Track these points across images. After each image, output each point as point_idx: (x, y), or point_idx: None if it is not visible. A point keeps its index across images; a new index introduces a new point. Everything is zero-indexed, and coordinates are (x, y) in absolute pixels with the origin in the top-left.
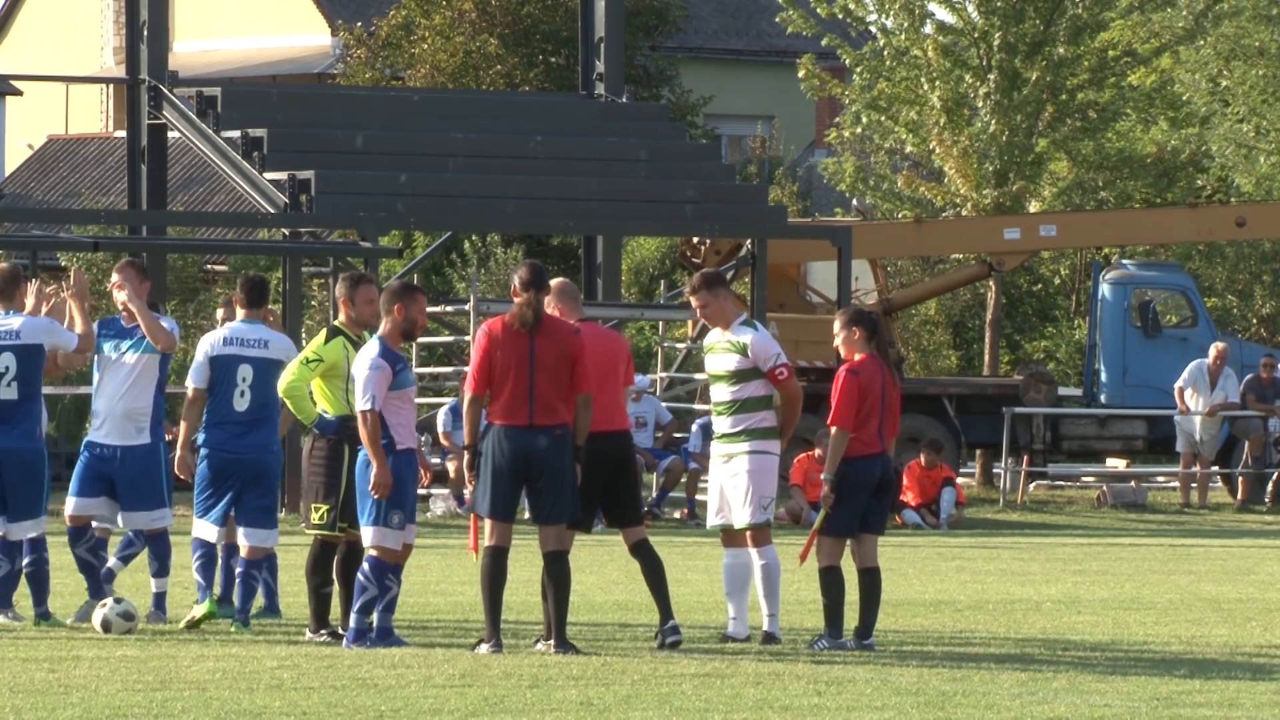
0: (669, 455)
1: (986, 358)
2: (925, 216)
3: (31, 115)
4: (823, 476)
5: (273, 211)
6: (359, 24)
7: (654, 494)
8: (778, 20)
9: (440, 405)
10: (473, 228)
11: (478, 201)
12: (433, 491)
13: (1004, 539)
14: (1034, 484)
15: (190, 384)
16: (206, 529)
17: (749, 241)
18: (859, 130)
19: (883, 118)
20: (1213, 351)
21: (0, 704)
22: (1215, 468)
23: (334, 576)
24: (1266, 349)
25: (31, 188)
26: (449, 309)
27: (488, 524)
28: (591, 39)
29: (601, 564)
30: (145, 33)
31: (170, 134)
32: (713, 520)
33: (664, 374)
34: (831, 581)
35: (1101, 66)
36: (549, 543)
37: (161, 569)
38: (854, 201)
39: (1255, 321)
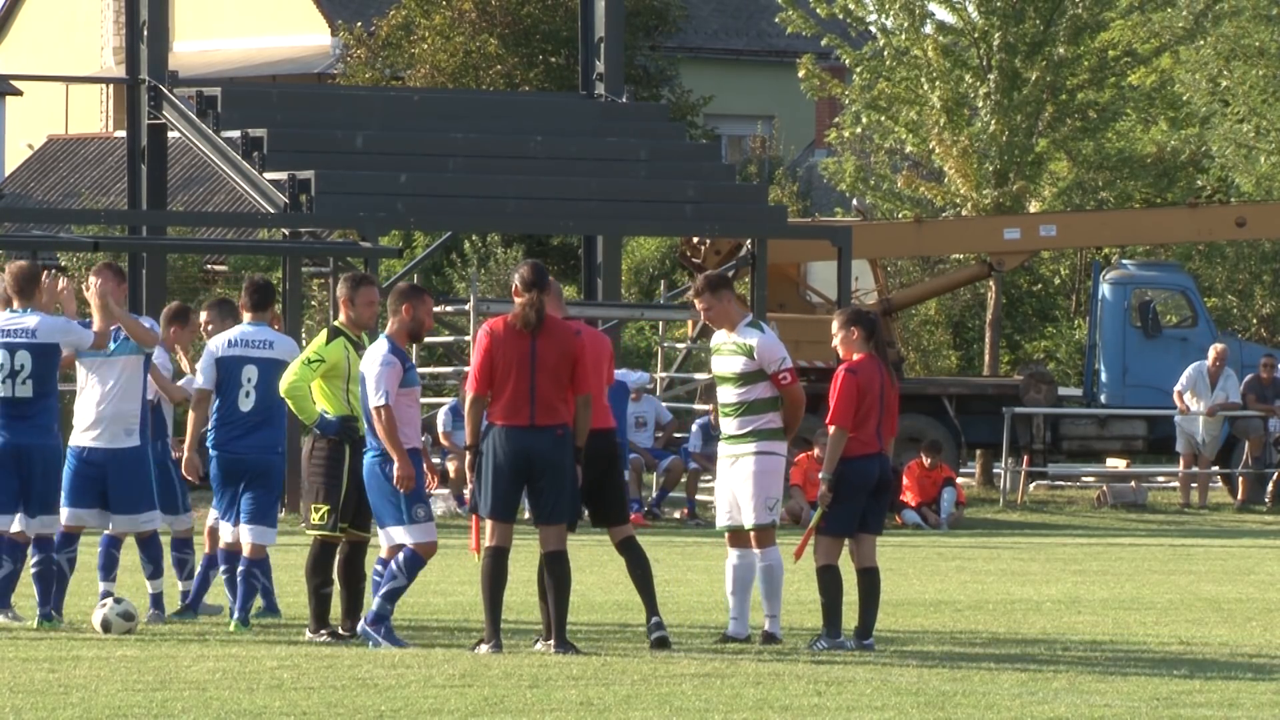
0: (669, 455)
1: (986, 358)
2: (925, 216)
3: (31, 115)
4: (821, 476)
5: (273, 211)
6: (359, 24)
7: (654, 494)
8: (777, 20)
9: (440, 405)
10: (473, 228)
11: (478, 201)
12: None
13: (1004, 539)
14: (1034, 484)
15: (196, 384)
16: (230, 532)
17: (749, 241)
18: (859, 130)
19: (883, 118)
20: (1211, 353)
21: (0, 704)
22: (1215, 468)
23: (334, 577)
24: (1266, 349)
25: (31, 188)
26: (449, 309)
27: (488, 524)
28: (591, 39)
29: (601, 564)
30: (145, 33)
31: (170, 134)
32: (722, 521)
33: (664, 374)
34: (829, 581)
35: (1101, 66)
36: (549, 543)
37: (156, 571)
38: (854, 201)
39: (1255, 321)
